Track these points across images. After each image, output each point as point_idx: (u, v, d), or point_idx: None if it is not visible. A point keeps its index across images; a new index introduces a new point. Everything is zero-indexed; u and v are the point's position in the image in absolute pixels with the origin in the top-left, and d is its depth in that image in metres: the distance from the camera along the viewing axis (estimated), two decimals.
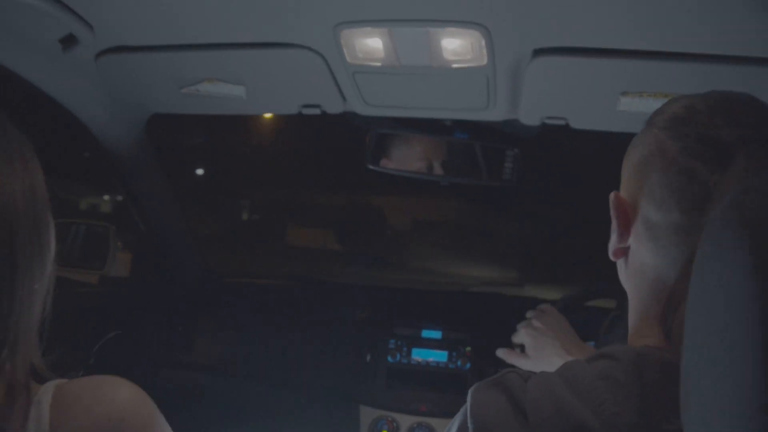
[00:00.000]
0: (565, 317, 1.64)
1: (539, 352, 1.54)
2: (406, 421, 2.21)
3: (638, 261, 0.82)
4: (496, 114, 1.66)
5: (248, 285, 2.83)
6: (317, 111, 1.71)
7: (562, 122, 1.65)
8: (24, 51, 1.48)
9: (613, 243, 0.85)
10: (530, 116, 1.65)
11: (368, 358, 2.35)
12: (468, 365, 2.30)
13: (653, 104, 1.47)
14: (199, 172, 3.74)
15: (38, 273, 0.83)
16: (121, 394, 0.83)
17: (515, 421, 0.71)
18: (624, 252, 0.84)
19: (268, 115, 3.18)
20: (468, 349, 2.32)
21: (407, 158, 1.90)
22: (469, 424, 0.74)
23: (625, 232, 0.83)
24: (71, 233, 2.19)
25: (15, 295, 0.79)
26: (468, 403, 0.77)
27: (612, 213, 0.84)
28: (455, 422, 0.78)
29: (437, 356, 2.32)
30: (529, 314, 1.78)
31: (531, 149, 1.94)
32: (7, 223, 0.78)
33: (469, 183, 1.90)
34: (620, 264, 0.87)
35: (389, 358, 2.33)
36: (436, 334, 2.37)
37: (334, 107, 1.71)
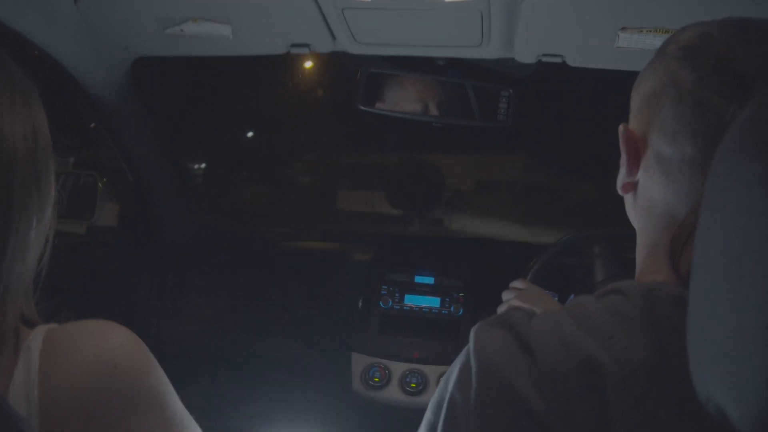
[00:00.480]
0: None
1: None
2: (398, 368, 2.21)
3: (647, 195, 0.79)
4: (490, 51, 1.62)
5: (239, 237, 2.81)
6: (306, 50, 1.67)
7: (558, 59, 1.61)
8: None
9: (621, 177, 0.82)
10: (526, 53, 1.61)
11: (360, 303, 2.34)
12: (461, 311, 2.29)
13: (653, 41, 1.44)
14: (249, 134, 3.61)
15: (35, 219, 0.81)
16: (113, 339, 0.81)
17: (521, 358, 0.68)
18: (633, 186, 0.81)
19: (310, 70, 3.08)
20: (461, 294, 2.31)
21: (399, 99, 1.87)
22: (472, 363, 0.70)
23: (634, 166, 0.80)
24: (58, 183, 2.15)
25: (9, 240, 0.77)
26: (471, 342, 0.73)
27: (621, 146, 0.81)
28: (457, 363, 0.75)
29: (430, 302, 2.31)
30: (505, 296, 1.78)
31: (525, 89, 1.90)
32: (5, 164, 0.76)
33: (462, 124, 1.87)
34: (628, 199, 0.84)
35: (381, 304, 2.32)
36: (428, 280, 2.36)
37: (323, 46, 1.66)
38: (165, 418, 0.83)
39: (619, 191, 0.84)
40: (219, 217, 3.23)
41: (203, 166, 3.43)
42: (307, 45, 1.66)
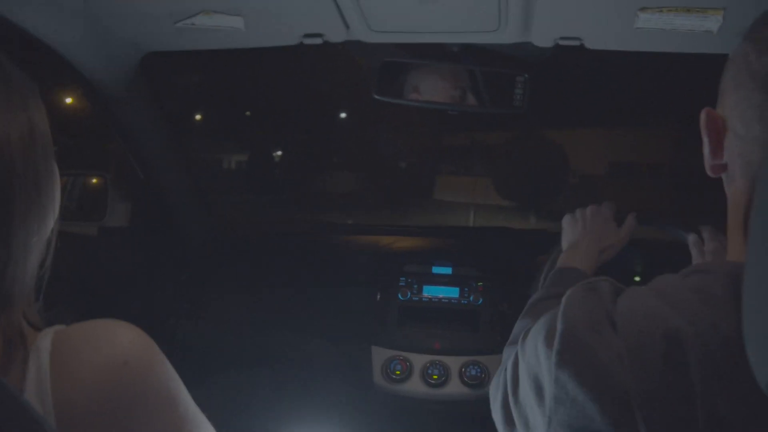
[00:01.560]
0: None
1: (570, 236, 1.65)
2: (419, 360, 2.19)
3: (732, 177, 0.80)
4: (507, 36, 1.59)
5: (256, 235, 2.79)
6: (319, 40, 1.65)
7: (576, 43, 1.59)
8: None
9: (707, 160, 0.83)
10: (543, 37, 1.59)
11: (378, 296, 2.33)
12: (480, 300, 2.27)
13: (674, 20, 1.41)
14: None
15: (35, 225, 0.80)
16: (123, 337, 0.80)
17: (605, 327, 0.70)
18: (723, 168, 0.81)
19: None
20: (480, 284, 2.29)
21: (415, 87, 1.84)
22: (559, 324, 0.73)
23: (717, 147, 0.80)
24: (67, 185, 2.15)
25: (10, 246, 0.76)
26: (561, 305, 0.75)
27: (702, 130, 0.82)
28: (544, 323, 0.77)
29: (449, 292, 2.29)
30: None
31: (540, 74, 1.88)
32: (1, 167, 0.74)
33: (478, 111, 1.85)
34: (724, 180, 0.84)
35: (400, 296, 2.30)
36: (446, 270, 2.34)
37: (337, 35, 1.64)
38: (177, 415, 0.83)
39: (709, 173, 0.84)
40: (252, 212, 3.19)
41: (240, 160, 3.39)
42: (320, 35, 1.64)
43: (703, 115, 0.81)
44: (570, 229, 1.67)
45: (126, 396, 0.77)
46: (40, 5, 1.48)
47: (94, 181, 2.17)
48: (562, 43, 1.59)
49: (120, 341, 0.79)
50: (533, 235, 2.80)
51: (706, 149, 0.82)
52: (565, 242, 1.68)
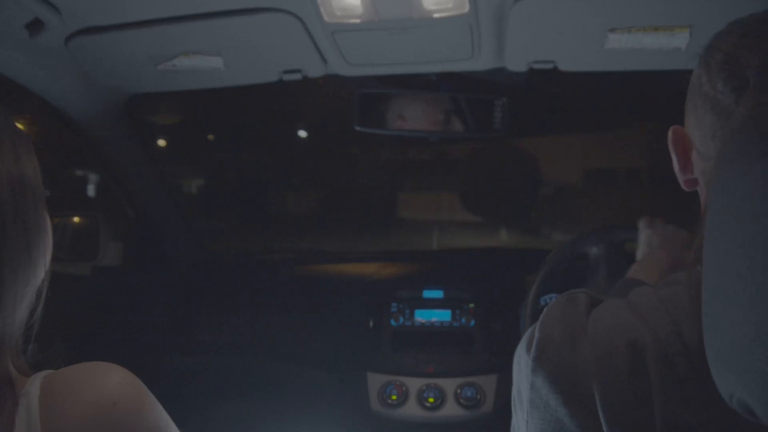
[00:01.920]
0: None
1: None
2: (414, 384, 2.19)
3: (701, 191, 0.82)
4: (481, 63, 1.62)
5: (246, 263, 2.80)
6: (299, 76, 1.67)
7: (549, 65, 1.62)
8: None
9: (678, 175, 0.85)
10: (517, 62, 1.62)
11: (371, 323, 2.34)
12: (473, 322, 2.29)
13: (643, 39, 1.45)
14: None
15: (25, 276, 0.80)
16: (111, 378, 0.81)
17: (578, 336, 0.73)
18: (694, 182, 0.84)
19: None
20: (471, 305, 2.31)
21: (395, 117, 1.87)
22: (537, 333, 0.76)
23: (686, 163, 0.83)
24: (59, 228, 2.16)
25: (0, 297, 0.77)
26: (542, 314, 0.79)
27: (670, 147, 0.84)
28: (528, 333, 0.80)
29: (441, 316, 2.31)
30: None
31: (518, 96, 1.91)
32: None
33: (459, 137, 1.87)
34: (699, 192, 0.86)
35: (392, 322, 2.31)
36: (437, 294, 2.36)
37: (315, 71, 1.67)
38: None
39: (684, 187, 0.86)
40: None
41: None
42: (299, 71, 1.66)
43: (670, 133, 0.84)
44: (647, 241, 1.66)
45: None
46: (23, 52, 1.50)
47: (86, 221, 2.18)
48: (535, 66, 1.62)
49: (109, 383, 0.80)
50: (522, 254, 2.82)
51: (676, 165, 0.84)
52: (640, 252, 1.67)
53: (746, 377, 0.53)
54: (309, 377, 2.38)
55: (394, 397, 2.17)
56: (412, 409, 2.16)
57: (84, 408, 0.77)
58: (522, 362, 0.77)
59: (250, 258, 2.88)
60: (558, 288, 2.19)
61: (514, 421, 0.85)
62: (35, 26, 1.39)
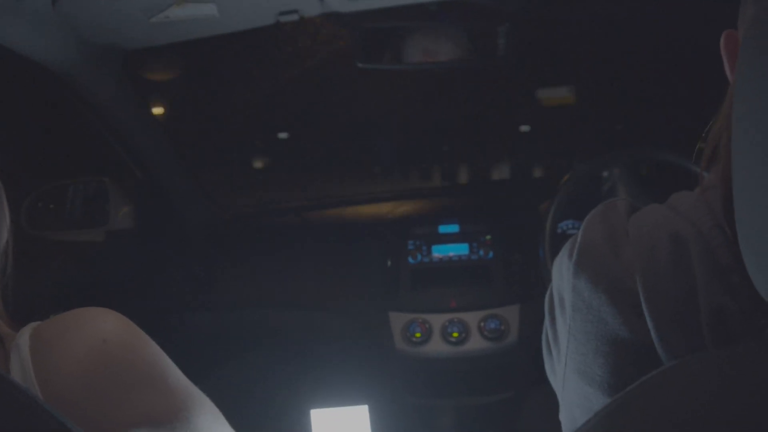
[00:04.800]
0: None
1: None
2: (437, 320, 2.20)
3: None
4: None
5: (259, 215, 2.80)
6: (296, 16, 1.63)
7: None
8: None
9: (730, 79, 0.81)
10: None
11: (389, 263, 2.34)
12: (491, 254, 2.28)
13: None
14: None
15: None
16: (98, 320, 0.81)
17: (619, 237, 0.73)
18: None
19: None
20: (488, 237, 2.30)
21: (398, 51, 1.83)
22: (578, 239, 0.77)
23: (734, 66, 0.78)
24: (68, 195, 2.15)
25: None
26: (584, 222, 0.80)
27: (722, 52, 0.80)
28: (569, 242, 0.80)
29: (458, 249, 2.30)
30: None
31: (520, 24, 1.87)
32: None
33: (464, 66, 1.84)
34: None
35: (410, 259, 2.31)
36: (453, 228, 2.35)
37: (312, 9, 1.62)
38: (166, 386, 0.83)
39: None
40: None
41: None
42: (295, 11, 1.62)
43: (722, 38, 0.80)
44: None
45: (109, 372, 0.77)
46: (11, 18, 1.46)
47: (94, 185, 2.17)
48: None
49: (96, 323, 0.80)
50: (535, 183, 2.81)
51: (727, 69, 0.80)
52: None
53: None
54: (331, 323, 2.39)
55: (418, 335, 2.18)
56: (437, 345, 2.18)
57: (73, 349, 0.77)
58: (564, 268, 0.78)
59: (263, 209, 2.87)
60: (574, 214, 2.18)
61: (546, 334, 0.85)
62: None
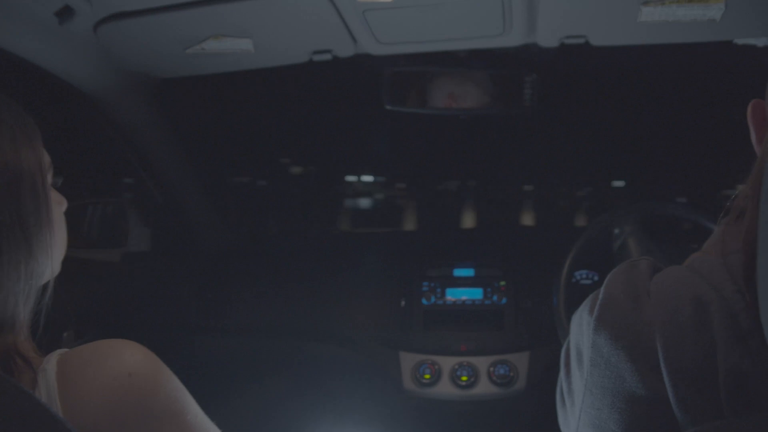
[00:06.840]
0: None
1: None
2: (447, 362, 2.21)
3: None
4: (513, 39, 1.60)
5: (276, 246, 2.81)
6: (328, 56, 1.66)
7: (581, 40, 1.59)
8: (17, 28, 1.40)
9: (756, 149, 0.83)
10: (548, 37, 1.60)
11: (403, 303, 2.34)
12: (504, 300, 2.29)
13: (677, 12, 1.42)
14: None
15: (26, 271, 0.82)
16: (126, 353, 0.82)
17: (641, 296, 0.74)
18: None
19: None
20: (503, 283, 2.31)
21: (424, 95, 1.86)
22: (600, 295, 0.77)
23: (762, 137, 0.81)
24: (87, 215, 2.17)
25: None
26: (606, 279, 0.80)
27: (749, 120, 0.83)
28: (590, 297, 0.81)
29: (472, 294, 2.31)
30: None
31: (547, 73, 1.90)
32: None
33: (489, 113, 1.86)
34: None
35: (424, 301, 2.31)
36: (468, 272, 2.36)
37: (345, 50, 1.65)
38: (186, 424, 0.85)
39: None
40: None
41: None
42: (329, 51, 1.65)
43: (750, 107, 0.82)
44: None
45: (132, 405, 0.79)
46: (52, 41, 1.50)
47: (113, 207, 2.19)
48: (567, 41, 1.60)
49: (123, 356, 0.81)
50: (551, 231, 2.81)
51: (753, 138, 0.83)
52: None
53: None
54: (341, 358, 2.39)
55: (427, 376, 2.18)
56: (445, 388, 2.18)
57: (100, 380, 0.79)
58: (584, 323, 0.78)
59: (280, 240, 2.89)
60: (590, 265, 2.18)
61: (561, 386, 0.86)
62: (65, 13, 1.39)
